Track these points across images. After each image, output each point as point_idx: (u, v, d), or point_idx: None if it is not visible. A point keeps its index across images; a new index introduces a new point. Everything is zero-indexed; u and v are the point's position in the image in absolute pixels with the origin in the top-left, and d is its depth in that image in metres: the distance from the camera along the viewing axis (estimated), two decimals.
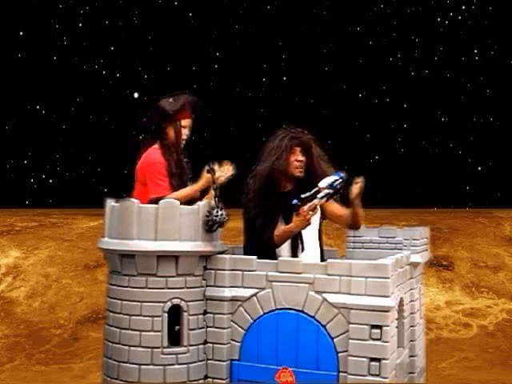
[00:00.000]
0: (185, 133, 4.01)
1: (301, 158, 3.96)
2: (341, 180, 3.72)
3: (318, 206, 3.77)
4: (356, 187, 3.75)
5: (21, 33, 18.68)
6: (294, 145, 3.97)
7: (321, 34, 19.31)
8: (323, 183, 3.72)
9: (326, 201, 3.77)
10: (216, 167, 3.74)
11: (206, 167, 3.76)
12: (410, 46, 19.66)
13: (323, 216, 4.09)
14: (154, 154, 3.92)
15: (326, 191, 3.71)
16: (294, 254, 3.84)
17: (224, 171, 3.76)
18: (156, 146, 3.96)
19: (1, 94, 18.06)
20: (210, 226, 3.55)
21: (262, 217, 3.87)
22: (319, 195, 3.70)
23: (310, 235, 3.97)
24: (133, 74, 18.75)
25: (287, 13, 19.06)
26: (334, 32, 19.26)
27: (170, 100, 3.96)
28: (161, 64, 18.78)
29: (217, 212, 3.53)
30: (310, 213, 3.70)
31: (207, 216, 3.54)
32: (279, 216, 3.85)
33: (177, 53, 18.73)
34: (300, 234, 3.88)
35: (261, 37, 19.09)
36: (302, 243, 3.88)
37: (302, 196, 3.74)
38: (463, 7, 19.64)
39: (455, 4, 19.62)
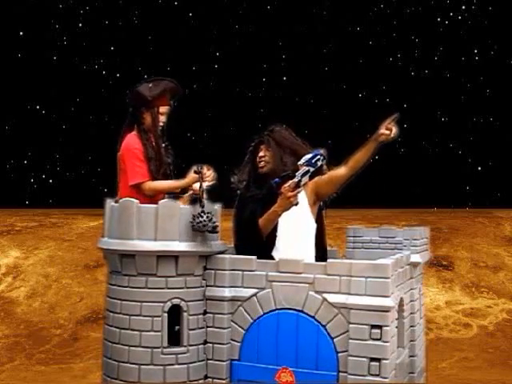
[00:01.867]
0: (162, 120, 3.96)
1: (261, 153, 4.02)
2: (319, 157, 3.71)
3: (302, 186, 3.71)
4: (388, 126, 3.69)
5: (21, 33, 18.69)
6: (257, 144, 4.07)
7: (321, 33, 19.31)
8: (301, 160, 3.72)
9: (310, 179, 3.73)
10: (205, 170, 3.66)
11: (194, 167, 3.71)
12: (410, 46, 19.65)
13: (322, 195, 4.03)
14: (131, 139, 3.89)
15: (305, 168, 3.69)
16: (268, 253, 3.79)
17: (207, 179, 3.72)
18: (134, 132, 3.93)
19: (1, 94, 18.07)
20: (201, 230, 3.47)
21: (246, 210, 3.90)
22: (298, 172, 3.68)
23: (296, 234, 3.92)
24: (133, 74, 18.73)
25: (287, 13, 19.06)
26: (334, 32, 19.26)
27: (150, 85, 3.91)
28: (161, 64, 18.76)
29: (200, 218, 3.44)
30: (293, 192, 3.65)
31: (192, 222, 3.46)
32: (262, 206, 3.84)
33: (177, 53, 18.73)
34: (274, 232, 3.86)
35: (261, 37, 19.09)
36: (274, 240, 3.86)
37: (282, 174, 3.76)
38: (463, 7, 19.64)
39: (455, 4, 19.62)
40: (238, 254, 3.78)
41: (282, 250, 3.85)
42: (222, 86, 19.06)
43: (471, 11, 19.54)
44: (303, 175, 3.68)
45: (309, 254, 3.94)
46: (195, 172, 3.67)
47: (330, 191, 4.00)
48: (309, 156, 3.72)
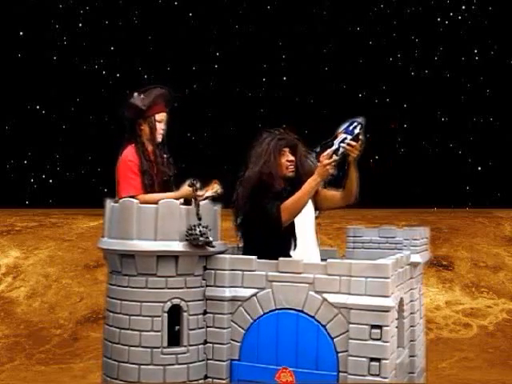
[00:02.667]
0: (161, 127, 3.90)
1: (291, 158, 4.00)
2: (356, 124, 3.68)
3: (340, 155, 3.69)
4: (354, 148, 3.68)
5: (21, 33, 18.69)
6: (283, 146, 4.00)
7: (321, 34, 19.30)
8: (339, 128, 3.71)
9: (347, 148, 3.67)
10: (198, 184, 3.62)
11: (189, 181, 3.67)
12: (410, 46, 19.65)
13: (317, 207, 4.11)
14: (127, 152, 3.84)
15: (343, 136, 3.66)
16: (286, 252, 3.79)
17: (210, 189, 3.67)
18: (133, 145, 3.87)
19: (1, 94, 18.06)
20: (193, 243, 3.45)
21: (260, 205, 3.79)
22: (336, 141, 3.66)
23: (306, 232, 3.96)
24: (133, 73, 18.72)
25: (287, 13, 19.06)
26: (334, 32, 19.25)
27: (142, 96, 3.85)
28: (161, 64, 18.76)
29: (194, 231, 3.43)
30: (329, 160, 3.64)
31: (189, 233, 3.44)
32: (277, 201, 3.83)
33: (177, 53, 18.73)
34: (293, 230, 3.86)
35: (261, 37, 19.08)
36: (295, 240, 3.87)
37: (322, 143, 3.73)
38: (463, 7, 19.63)
39: (455, 4, 19.61)
40: (247, 254, 3.73)
41: (300, 249, 3.86)
42: (222, 86, 19.06)
43: (471, 11, 19.54)
44: (341, 143, 3.66)
45: (318, 253, 4.04)
46: (189, 185, 3.64)
47: (324, 207, 4.16)
48: (346, 124, 3.70)
